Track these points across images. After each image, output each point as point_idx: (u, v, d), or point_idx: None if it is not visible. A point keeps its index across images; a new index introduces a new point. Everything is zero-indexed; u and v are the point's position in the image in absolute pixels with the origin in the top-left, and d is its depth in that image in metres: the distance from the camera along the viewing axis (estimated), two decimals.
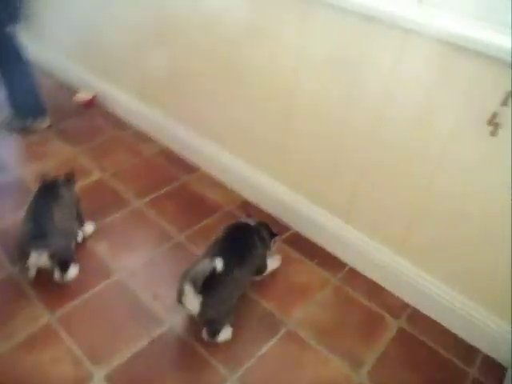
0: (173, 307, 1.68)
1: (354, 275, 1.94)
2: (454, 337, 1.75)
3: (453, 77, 1.42)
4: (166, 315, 1.69)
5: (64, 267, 1.69)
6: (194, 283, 1.42)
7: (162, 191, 2.25)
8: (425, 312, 1.82)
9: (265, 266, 1.77)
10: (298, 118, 1.90)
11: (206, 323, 1.55)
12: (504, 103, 1.32)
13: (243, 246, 1.65)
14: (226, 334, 1.59)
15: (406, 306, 1.84)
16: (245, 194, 2.27)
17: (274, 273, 1.89)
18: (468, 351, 1.72)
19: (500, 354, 1.68)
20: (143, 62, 2.48)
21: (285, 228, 2.11)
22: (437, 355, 1.69)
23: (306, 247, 2.02)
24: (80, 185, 2.16)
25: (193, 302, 1.46)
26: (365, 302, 1.83)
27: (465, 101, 1.42)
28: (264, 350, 1.62)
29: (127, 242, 1.95)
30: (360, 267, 1.95)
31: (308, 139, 1.91)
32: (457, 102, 1.44)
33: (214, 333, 1.56)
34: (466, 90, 1.40)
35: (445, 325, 1.79)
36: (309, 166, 1.96)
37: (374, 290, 1.89)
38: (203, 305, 1.46)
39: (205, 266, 1.45)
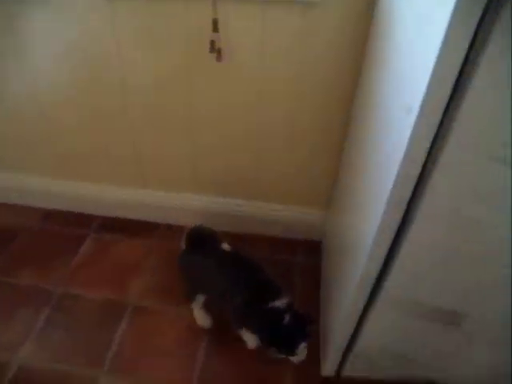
0: (13, 344, 1.63)
1: (169, 230, 2.05)
2: (278, 239, 1.98)
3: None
4: (10, 355, 1.63)
5: None
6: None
7: None
8: (245, 231, 2.01)
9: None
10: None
11: None
12: (215, 30, 1.45)
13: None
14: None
15: (225, 234, 1.99)
16: (43, 205, 2.19)
17: (95, 261, 1.92)
18: (291, 244, 1.97)
19: (314, 234, 1.95)
20: None
21: (92, 218, 2.12)
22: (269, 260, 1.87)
23: (118, 227, 2.07)
24: None
25: None
26: None
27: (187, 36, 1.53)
28: (120, 334, 1.67)
29: None
30: (172, 221, 2.07)
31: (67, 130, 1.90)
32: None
33: None
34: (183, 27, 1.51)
35: (265, 233, 2.01)
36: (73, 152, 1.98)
37: None
38: None
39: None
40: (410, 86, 0.88)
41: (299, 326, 1.36)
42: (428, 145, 0.86)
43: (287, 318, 1.34)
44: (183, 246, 1.60)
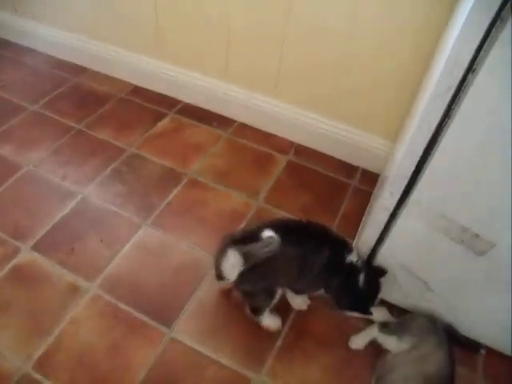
0: (81, 181, 1.85)
1: (243, 128, 2.16)
2: (336, 160, 2.04)
3: None
4: (78, 188, 1.84)
5: None
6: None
7: (55, 94, 2.32)
8: (309, 145, 2.08)
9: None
10: None
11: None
12: None
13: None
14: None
15: (291, 143, 2.09)
16: (133, 81, 2.40)
17: (168, 136, 2.09)
18: (349, 169, 2.01)
19: (375, 166, 1.97)
20: None
21: (175, 102, 2.29)
22: (323, 176, 1.96)
23: (196, 114, 2.22)
24: None
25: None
26: (255, 147, 2.06)
27: None
28: (170, 197, 1.82)
29: (30, 140, 2.04)
30: (247, 120, 2.16)
31: (179, 15, 2.03)
32: None
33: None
34: None
35: (327, 152, 2.05)
36: (182, 39, 2.10)
37: (262, 136, 2.12)
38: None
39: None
40: None
41: (374, 284, 1.36)
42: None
43: (362, 277, 1.33)
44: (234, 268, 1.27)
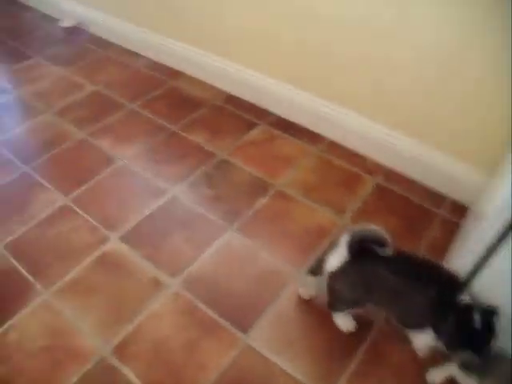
0: (172, 180, 1.90)
1: (333, 146, 2.14)
2: (425, 188, 1.96)
3: None
4: (169, 186, 1.89)
5: None
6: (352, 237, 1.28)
7: (152, 95, 2.42)
8: (399, 170, 2.02)
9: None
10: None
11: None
12: None
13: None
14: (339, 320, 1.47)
15: (381, 166, 2.05)
16: (228, 89, 2.45)
17: (259, 146, 2.11)
18: (438, 198, 1.93)
19: (466, 197, 1.89)
20: None
21: (267, 113, 2.31)
22: (411, 202, 1.90)
23: (287, 127, 2.23)
24: (77, 97, 2.35)
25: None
26: (344, 166, 2.03)
27: None
28: (257, 206, 1.83)
29: (127, 136, 2.13)
30: (338, 138, 2.14)
31: (277, 27, 2.05)
32: None
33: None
34: None
35: (417, 178, 1.99)
36: (281, 52, 2.12)
37: (352, 156, 2.09)
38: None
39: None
40: None
41: (487, 323, 1.22)
42: None
43: (477, 316, 1.21)
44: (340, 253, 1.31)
